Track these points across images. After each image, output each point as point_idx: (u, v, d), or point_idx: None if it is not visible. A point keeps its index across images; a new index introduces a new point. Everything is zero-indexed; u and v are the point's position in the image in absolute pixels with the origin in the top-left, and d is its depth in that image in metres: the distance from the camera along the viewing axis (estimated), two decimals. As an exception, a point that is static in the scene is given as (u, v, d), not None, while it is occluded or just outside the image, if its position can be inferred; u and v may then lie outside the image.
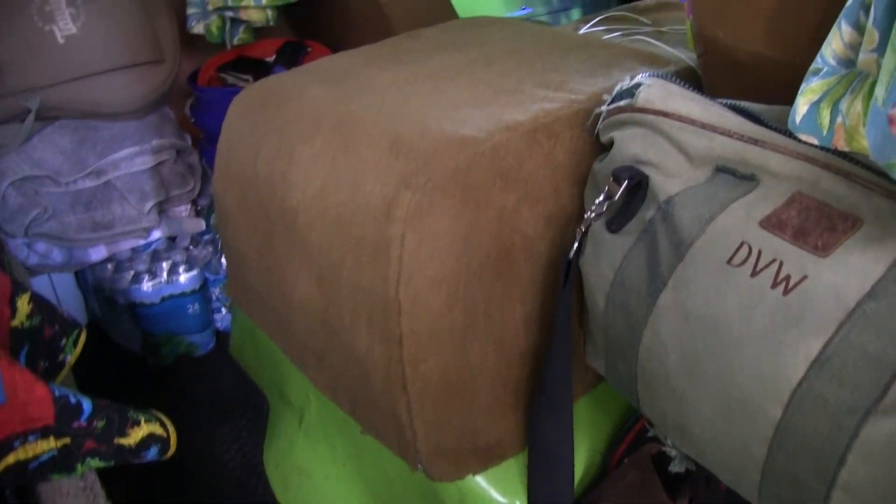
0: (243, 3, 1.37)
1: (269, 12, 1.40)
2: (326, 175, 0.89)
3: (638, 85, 0.75)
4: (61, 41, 1.32)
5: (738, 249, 0.62)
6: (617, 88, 0.78)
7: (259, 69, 1.48)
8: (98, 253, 1.41)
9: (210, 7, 1.40)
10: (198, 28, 1.47)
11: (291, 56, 1.50)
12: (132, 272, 1.43)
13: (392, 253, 0.79)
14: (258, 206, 1.02)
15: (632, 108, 0.74)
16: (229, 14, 1.41)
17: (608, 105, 0.78)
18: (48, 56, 1.32)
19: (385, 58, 1.10)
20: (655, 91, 0.73)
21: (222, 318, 1.58)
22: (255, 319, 1.19)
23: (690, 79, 0.97)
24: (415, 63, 1.07)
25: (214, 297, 1.54)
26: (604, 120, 0.79)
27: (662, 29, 1.38)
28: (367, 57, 1.12)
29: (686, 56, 1.14)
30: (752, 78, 0.80)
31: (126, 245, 1.43)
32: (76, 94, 1.35)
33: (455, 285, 0.79)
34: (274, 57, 1.52)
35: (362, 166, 0.85)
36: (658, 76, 0.75)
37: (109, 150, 1.38)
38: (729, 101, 0.73)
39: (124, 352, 1.57)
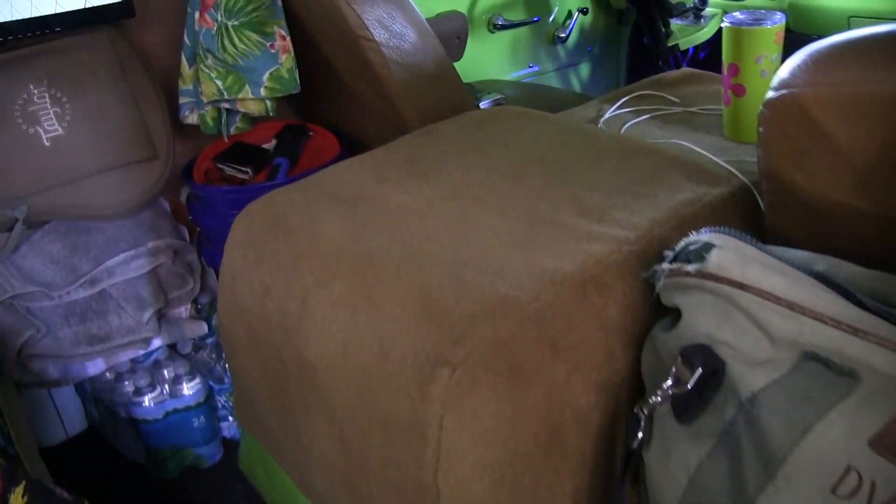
0: (240, 96, 1.28)
1: (268, 103, 1.32)
2: (347, 331, 0.80)
3: (708, 246, 0.66)
4: (47, 144, 1.23)
5: (844, 476, 0.54)
6: (681, 245, 0.69)
7: (258, 159, 1.39)
8: (96, 367, 1.33)
9: (204, 100, 1.32)
10: (191, 118, 1.39)
11: (293, 143, 1.42)
12: (133, 386, 1.34)
13: (429, 436, 0.70)
14: (270, 347, 0.94)
15: (702, 274, 0.66)
16: (225, 105, 1.32)
17: (670, 262, 0.70)
18: (34, 160, 1.23)
19: (400, 168, 1.02)
20: (730, 256, 0.65)
21: (229, 426, 1.49)
22: (268, 451, 1.10)
23: (747, 200, 0.89)
24: (435, 176, 0.99)
25: (220, 406, 1.45)
26: (666, 278, 0.70)
27: (692, 109, 1.30)
28: (380, 166, 1.04)
29: (732, 164, 1.06)
30: (832, 228, 0.72)
31: (125, 357, 1.34)
32: (65, 198, 1.27)
33: (500, 471, 0.71)
34: (274, 143, 1.43)
35: (389, 326, 0.76)
36: (730, 234, 0.66)
37: (103, 255, 1.30)
38: (813, 266, 0.64)
39: (127, 460, 1.48)
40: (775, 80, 0.70)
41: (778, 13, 1.11)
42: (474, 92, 1.72)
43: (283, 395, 0.94)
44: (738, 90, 1.14)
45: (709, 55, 2.01)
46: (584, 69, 2.21)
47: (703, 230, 0.69)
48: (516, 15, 1.95)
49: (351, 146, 1.43)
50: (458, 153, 1.05)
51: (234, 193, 1.31)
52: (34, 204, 1.26)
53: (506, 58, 2.01)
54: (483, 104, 1.64)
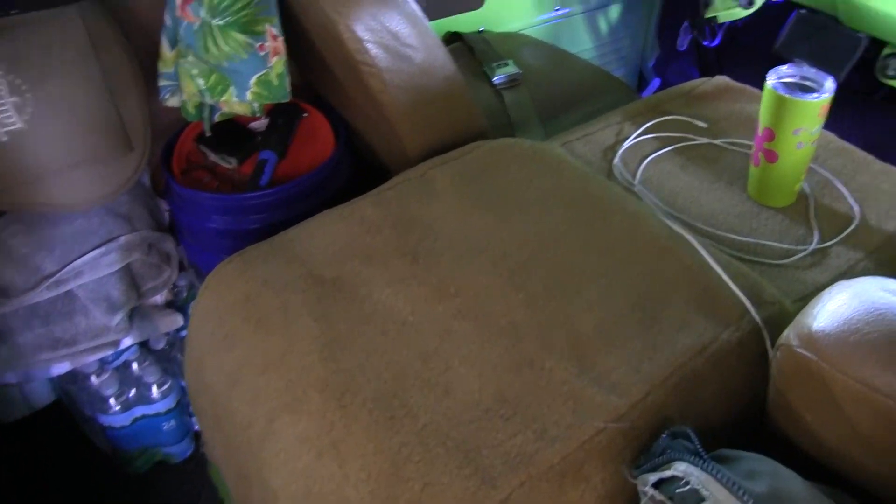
0: (223, 98, 1.23)
1: (256, 105, 1.26)
2: (310, 476, 0.80)
3: (696, 497, 0.65)
4: (4, 139, 1.18)
5: None
6: (668, 473, 0.68)
7: (245, 146, 1.35)
8: (61, 368, 1.33)
9: (185, 97, 1.26)
10: (172, 101, 1.33)
11: (284, 128, 1.37)
12: (99, 390, 1.35)
13: None
14: (234, 444, 0.93)
15: (681, 525, 0.65)
16: (209, 102, 1.27)
17: (653, 486, 0.69)
18: (-10, 158, 1.18)
19: (388, 239, 1.00)
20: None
21: (202, 422, 1.50)
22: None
23: (755, 347, 0.87)
24: (424, 258, 0.97)
25: (193, 402, 1.46)
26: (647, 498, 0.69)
27: (719, 142, 1.25)
28: (366, 231, 1.02)
29: (750, 248, 1.08)
30: (832, 455, 0.71)
31: (91, 359, 1.33)
32: (27, 197, 1.23)
33: None
34: (265, 124, 1.38)
35: (350, 492, 0.77)
36: (723, 483, 0.65)
37: (70, 253, 1.27)
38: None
39: (92, 442, 1.50)
40: (803, 328, 0.69)
41: (828, 80, 1.05)
42: (488, 57, 1.64)
43: (247, 487, 0.94)
44: (771, 156, 1.10)
45: (748, 24, 1.91)
46: (615, 11, 2.10)
47: (693, 466, 0.67)
48: (546, -44, 1.84)
49: (347, 137, 1.38)
50: (455, 220, 1.02)
51: (217, 201, 1.27)
52: (-8, 204, 1.23)
53: (531, 1, 1.90)
54: (497, 80, 1.57)
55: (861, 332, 0.65)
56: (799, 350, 0.69)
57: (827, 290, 0.73)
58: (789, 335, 0.71)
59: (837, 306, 0.69)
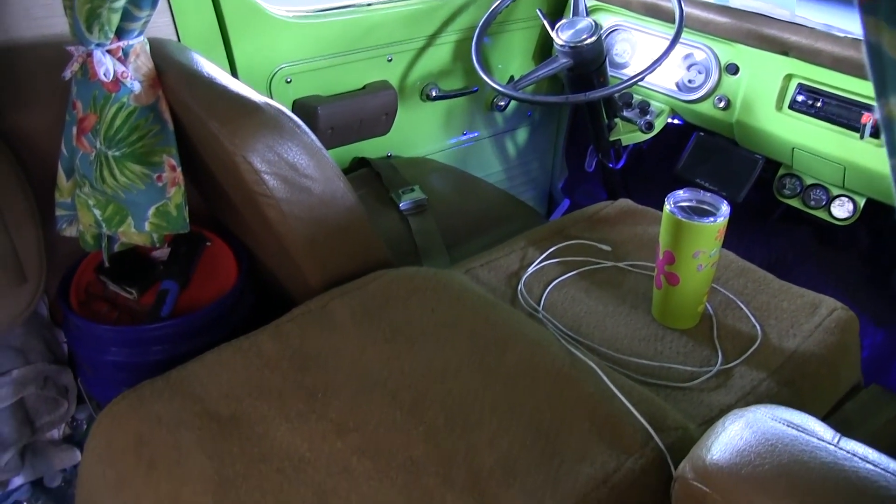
0: (121, 229, 1.21)
1: (155, 236, 1.25)
2: None
3: None
4: None
5: None
6: None
7: (146, 276, 1.33)
8: (-57, 510, 1.26)
9: (82, 227, 1.24)
10: (70, 231, 1.31)
11: (186, 257, 1.35)
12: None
13: None
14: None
15: None
16: (106, 232, 1.25)
17: None
18: None
19: (286, 374, 0.99)
20: None
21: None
22: None
23: (658, 474, 0.88)
24: (323, 394, 0.96)
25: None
26: None
27: (622, 265, 1.28)
28: (264, 365, 1.00)
29: (655, 373, 1.08)
30: None
31: (-23, 501, 1.28)
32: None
33: None
34: (167, 252, 1.36)
35: None
36: None
37: (-44, 388, 1.22)
38: None
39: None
40: (698, 461, 0.70)
41: (724, 204, 1.08)
42: (395, 183, 1.66)
43: None
44: (672, 278, 1.11)
45: (651, 146, 1.99)
46: (522, 134, 2.15)
47: None
48: (452, 84, 1.87)
49: (250, 265, 1.37)
50: (354, 352, 1.01)
51: (115, 333, 1.24)
52: None
53: (439, 126, 1.94)
54: (403, 206, 1.59)
55: (753, 464, 0.65)
56: (694, 483, 0.69)
57: (721, 421, 0.74)
58: (685, 467, 0.71)
59: (730, 437, 0.69)
